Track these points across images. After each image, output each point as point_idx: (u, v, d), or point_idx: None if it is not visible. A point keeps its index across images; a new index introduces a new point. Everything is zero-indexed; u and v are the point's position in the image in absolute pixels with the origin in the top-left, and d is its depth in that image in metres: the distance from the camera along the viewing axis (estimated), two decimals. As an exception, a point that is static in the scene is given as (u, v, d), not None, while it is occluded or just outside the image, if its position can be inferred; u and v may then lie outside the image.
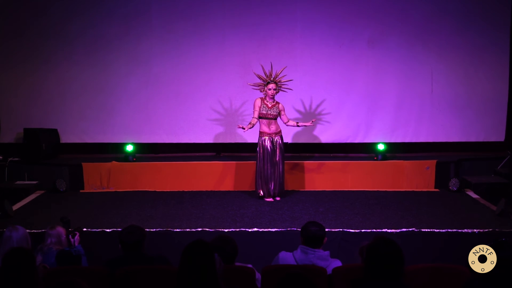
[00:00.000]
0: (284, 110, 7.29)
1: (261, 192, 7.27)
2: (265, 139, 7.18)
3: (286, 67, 7.34)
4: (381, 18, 8.80)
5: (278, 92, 7.25)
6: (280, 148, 7.24)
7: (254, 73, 7.35)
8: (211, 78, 8.90)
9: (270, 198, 7.26)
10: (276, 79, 7.23)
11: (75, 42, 8.86)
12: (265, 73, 7.25)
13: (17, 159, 8.40)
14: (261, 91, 7.31)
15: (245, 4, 8.86)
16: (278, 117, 7.28)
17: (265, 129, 7.20)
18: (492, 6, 8.81)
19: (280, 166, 7.25)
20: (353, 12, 8.82)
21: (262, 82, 7.26)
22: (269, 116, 7.17)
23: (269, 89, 7.14)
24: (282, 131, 7.34)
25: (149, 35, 8.89)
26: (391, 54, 8.87)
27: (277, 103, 7.24)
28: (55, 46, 8.85)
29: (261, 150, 7.20)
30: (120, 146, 8.68)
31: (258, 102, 7.19)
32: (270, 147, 7.17)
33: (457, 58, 8.84)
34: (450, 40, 8.81)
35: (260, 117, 7.20)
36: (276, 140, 7.20)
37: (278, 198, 7.29)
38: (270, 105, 7.17)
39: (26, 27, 8.83)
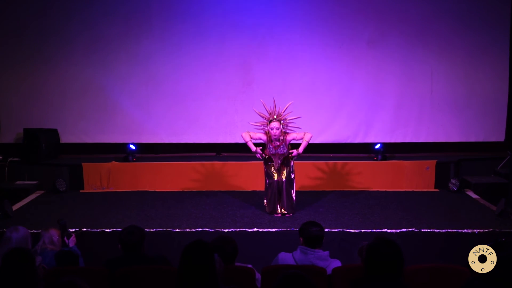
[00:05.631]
0: (294, 134, 6.42)
1: (267, 209, 6.64)
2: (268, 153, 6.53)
3: (292, 103, 6.55)
4: (381, 18, 8.79)
5: (284, 129, 6.37)
6: (287, 166, 6.56)
7: (255, 111, 6.56)
8: (210, 78, 8.90)
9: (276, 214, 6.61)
10: (280, 117, 6.38)
11: (75, 42, 8.85)
12: (266, 110, 6.45)
13: (17, 159, 8.40)
14: (264, 131, 6.47)
15: (245, 4, 8.85)
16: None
17: (270, 150, 6.46)
18: (492, 6, 8.80)
19: (285, 186, 6.52)
20: (353, 12, 8.81)
21: (265, 120, 6.46)
22: (277, 154, 6.42)
23: (272, 129, 6.25)
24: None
25: (149, 35, 8.89)
26: (391, 54, 8.86)
27: (285, 134, 6.37)
28: (55, 46, 8.85)
29: (264, 164, 6.63)
30: (120, 146, 8.67)
31: (264, 137, 6.42)
32: (272, 163, 6.56)
33: (457, 58, 8.83)
34: (450, 40, 8.81)
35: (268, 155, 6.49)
36: (282, 156, 6.51)
37: (277, 214, 6.57)
38: (277, 144, 6.37)
39: (26, 27, 8.82)
